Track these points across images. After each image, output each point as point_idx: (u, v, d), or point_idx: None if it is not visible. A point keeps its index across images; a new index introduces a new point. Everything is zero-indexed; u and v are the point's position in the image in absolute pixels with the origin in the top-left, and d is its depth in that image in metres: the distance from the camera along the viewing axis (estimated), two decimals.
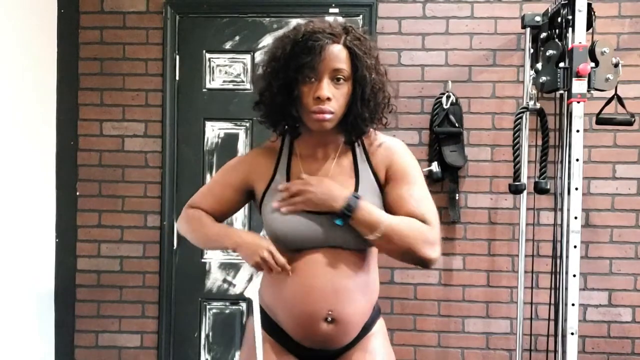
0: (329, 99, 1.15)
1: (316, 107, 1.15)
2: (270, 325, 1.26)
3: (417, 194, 1.19)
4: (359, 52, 1.16)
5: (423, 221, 1.16)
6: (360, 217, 1.14)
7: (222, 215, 1.35)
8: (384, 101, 1.23)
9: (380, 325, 1.31)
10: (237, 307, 2.48)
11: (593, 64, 1.92)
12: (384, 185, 1.23)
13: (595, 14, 2.04)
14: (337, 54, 1.15)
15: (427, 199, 1.20)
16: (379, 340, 1.29)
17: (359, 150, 1.25)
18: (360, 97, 1.17)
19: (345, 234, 1.18)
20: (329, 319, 1.17)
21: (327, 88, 1.15)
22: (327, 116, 1.16)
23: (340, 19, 1.26)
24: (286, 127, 1.25)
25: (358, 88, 1.17)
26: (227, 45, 2.47)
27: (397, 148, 1.25)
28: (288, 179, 1.24)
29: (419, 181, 1.22)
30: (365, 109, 1.18)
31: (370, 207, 1.15)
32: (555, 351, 2.20)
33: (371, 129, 1.26)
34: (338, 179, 1.21)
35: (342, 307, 1.18)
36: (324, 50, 1.13)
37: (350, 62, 1.16)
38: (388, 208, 1.20)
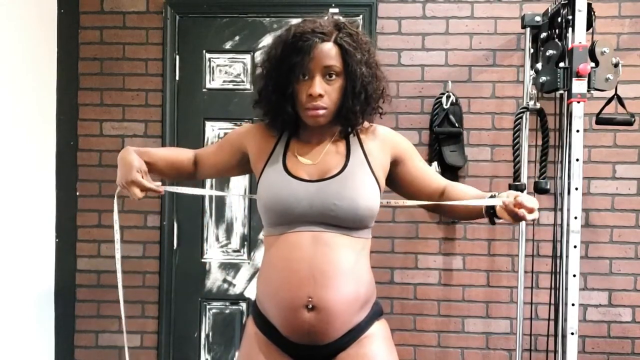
0: (321, 95, 1.20)
1: (310, 104, 1.20)
2: (264, 324, 1.25)
3: (429, 167, 1.36)
4: (349, 47, 1.19)
5: (445, 184, 1.33)
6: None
7: (214, 164, 1.42)
8: (377, 92, 1.26)
9: (380, 328, 1.27)
10: (237, 307, 2.48)
11: (593, 64, 1.92)
12: (391, 165, 1.31)
13: (595, 14, 2.05)
14: (327, 52, 1.19)
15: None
16: (379, 346, 1.24)
17: (352, 136, 1.31)
18: (351, 91, 1.22)
19: (328, 199, 1.19)
20: (310, 306, 1.16)
21: (318, 85, 1.19)
22: (321, 112, 1.21)
23: (337, 16, 1.28)
24: (284, 124, 1.29)
25: (349, 83, 1.21)
26: (227, 45, 2.47)
27: (390, 133, 1.34)
28: (285, 157, 1.27)
29: (419, 155, 1.38)
30: (357, 102, 1.22)
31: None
32: (555, 351, 2.20)
33: (365, 121, 1.30)
34: (330, 156, 1.27)
35: (322, 293, 1.15)
36: (314, 49, 1.18)
37: (341, 58, 1.20)
38: (413, 183, 1.33)
